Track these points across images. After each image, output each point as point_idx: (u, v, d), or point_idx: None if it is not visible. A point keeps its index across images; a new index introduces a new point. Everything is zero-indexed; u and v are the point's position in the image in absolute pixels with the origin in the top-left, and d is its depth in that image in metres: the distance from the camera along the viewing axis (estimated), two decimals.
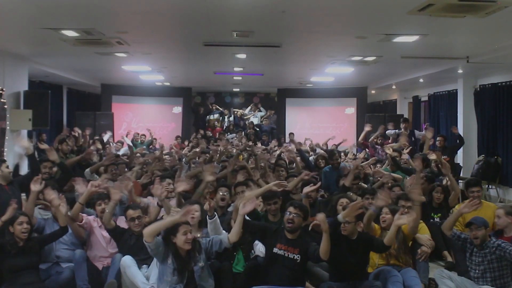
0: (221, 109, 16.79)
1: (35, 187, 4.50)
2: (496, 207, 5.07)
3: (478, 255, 4.22)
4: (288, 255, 3.98)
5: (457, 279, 4.28)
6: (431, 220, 5.49)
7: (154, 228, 3.70)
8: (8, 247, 4.01)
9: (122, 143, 11.03)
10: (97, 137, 10.80)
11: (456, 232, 4.44)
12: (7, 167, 5.21)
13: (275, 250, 4.01)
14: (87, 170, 6.47)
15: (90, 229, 4.65)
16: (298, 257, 3.97)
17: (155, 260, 4.15)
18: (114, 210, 4.54)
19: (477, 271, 4.20)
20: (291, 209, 4.04)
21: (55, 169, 5.88)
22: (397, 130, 10.36)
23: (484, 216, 4.50)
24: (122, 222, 4.75)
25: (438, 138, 8.82)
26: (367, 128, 9.81)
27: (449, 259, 5.11)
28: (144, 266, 4.27)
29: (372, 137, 9.72)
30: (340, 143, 10.70)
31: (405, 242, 4.49)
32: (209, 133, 14.88)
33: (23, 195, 5.41)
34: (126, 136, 11.84)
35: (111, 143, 11.06)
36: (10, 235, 4.07)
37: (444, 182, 6.22)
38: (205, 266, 3.90)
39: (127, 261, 4.16)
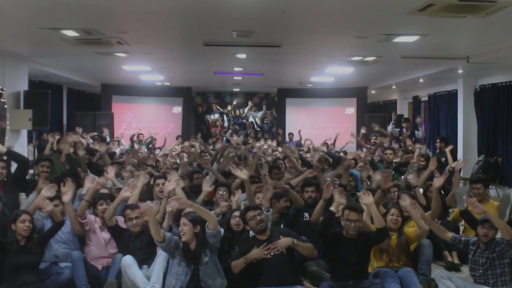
0: (221, 109, 16.83)
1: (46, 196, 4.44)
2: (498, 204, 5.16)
3: (482, 255, 4.22)
4: (273, 252, 3.97)
5: (456, 280, 4.29)
6: None
7: (151, 225, 3.85)
8: (9, 245, 4.02)
9: (118, 142, 11.01)
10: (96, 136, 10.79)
11: (456, 236, 4.45)
12: (3, 167, 5.19)
13: None
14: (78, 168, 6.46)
15: (91, 229, 4.63)
16: (283, 250, 3.99)
17: (156, 260, 4.18)
18: (118, 206, 4.53)
19: (480, 270, 4.21)
20: (251, 212, 4.10)
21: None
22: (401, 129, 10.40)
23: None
24: (120, 223, 4.75)
25: (437, 141, 8.79)
26: (363, 130, 9.82)
27: (449, 259, 5.12)
28: (144, 266, 4.27)
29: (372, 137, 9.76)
30: (335, 140, 10.63)
31: (407, 245, 4.46)
32: (213, 132, 14.97)
33: (23, 195, 5.41)
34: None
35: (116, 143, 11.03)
36: (12, 232, 4.08)
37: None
38: (211, 263, 3.89)
39: (128, 260, 4.16)
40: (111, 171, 5.48)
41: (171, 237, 3.90)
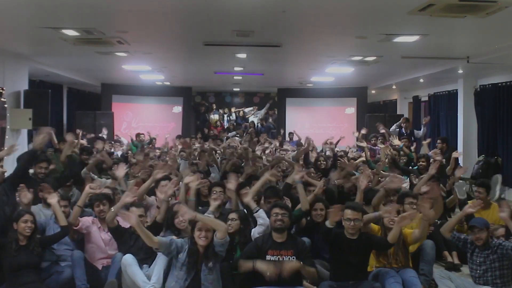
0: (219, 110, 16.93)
1: (52, 199, 4.39)
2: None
3: (479, 255, 4.22)
4: (283, 258, 3.94)
5: (456, 279, 4.29)
6: None
7: (140, 233, 3.79)
8: (9, 244, 4.02)
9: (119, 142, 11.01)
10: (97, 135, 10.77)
11: (456, 234, 4.45)
12: (1, 166, 5.17)
13: (268, 257, 3.97)
14: (84, 169, 6.42)
15: (88, 231, 4.61)
16: (293, 258, 3.94)
17: (157, 260, 4.17)
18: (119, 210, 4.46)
19: (478, 271, 4.21)
20: (277, 210, 4.04)
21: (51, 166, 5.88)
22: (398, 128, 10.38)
23: (491, 217, 4.54)
24: (121, 223, 4.74)
25: (438, 142, 8.76)
26: (363, 131, 9.79)
27: (449, 259, 5.12)
28: (145, 266, 4.26)
29: (371, 136, 9.75)
30: (338, 141, 10.64)
31: (404, 246, 4.42)
32: (212, 132, 14.97)
33: None
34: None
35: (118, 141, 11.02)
36: (14, 232, 4.08)
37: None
38: (214, 269, 3.83)
39: (129, 259, 4.15)
40: (121, 171, 5.40)
41: (170, 241, 3.84)
